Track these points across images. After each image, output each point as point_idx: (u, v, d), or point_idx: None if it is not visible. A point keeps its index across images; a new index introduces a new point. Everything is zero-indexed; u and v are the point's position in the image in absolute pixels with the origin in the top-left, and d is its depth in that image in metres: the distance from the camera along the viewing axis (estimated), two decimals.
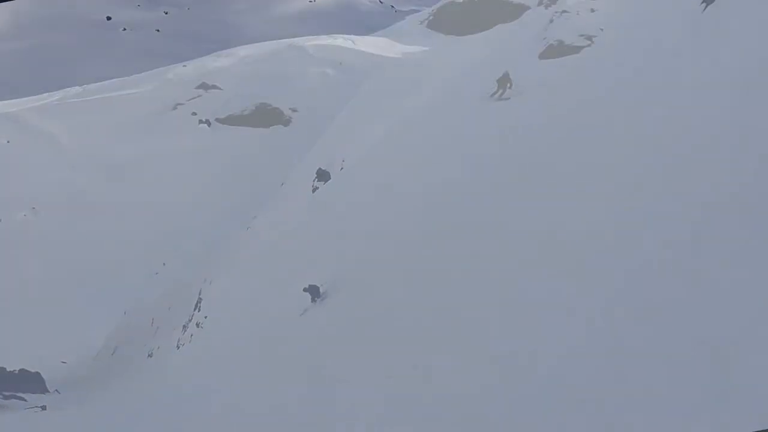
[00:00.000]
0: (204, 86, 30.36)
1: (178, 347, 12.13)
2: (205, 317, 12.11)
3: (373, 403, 6.57)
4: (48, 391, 12.60)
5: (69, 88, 40.05)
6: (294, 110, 25.12)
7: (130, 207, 16.99)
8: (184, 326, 12.55)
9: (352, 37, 40.52)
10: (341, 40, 38.96)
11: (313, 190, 15.98)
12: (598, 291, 6.61)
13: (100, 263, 13.95)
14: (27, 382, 12.56)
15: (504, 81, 19.02)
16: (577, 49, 32.08)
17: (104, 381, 12.42)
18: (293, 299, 10.20)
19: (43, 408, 11.56)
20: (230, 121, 24.85)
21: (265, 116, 24.88)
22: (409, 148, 17.83)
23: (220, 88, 29.77)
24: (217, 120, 25.06)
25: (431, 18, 46.63)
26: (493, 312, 7.19)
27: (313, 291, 10.28)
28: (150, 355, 12.90)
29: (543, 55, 32.76)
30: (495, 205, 10.74)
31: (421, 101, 23.36)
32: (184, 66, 37.90)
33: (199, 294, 12.82)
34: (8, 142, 25.49)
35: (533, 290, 7.36)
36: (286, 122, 24.49)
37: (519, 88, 19.69)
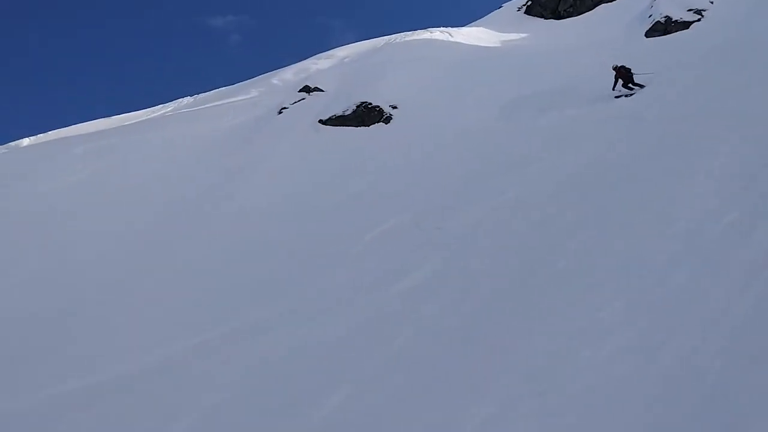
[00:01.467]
0: (306, 89, 31.21)
1: None
2: None
3: None
4: None
5: (181, 99, 42.17)
6: (394, 107, 25.34)
7: (248, 209, 17.68)
8: None
9: (449, 29, 40.42)
10: (438, 33, 38.95)
11: None
12: None
13: None
14: None
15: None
16: (686, 25, 30.56)
17: None
18: None
19: None
20: (333, 122, 25.38)
21: (366, 115, 25.24)
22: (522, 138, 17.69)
23: (322, 90, 30.50)
24: (320, 121, 25.65)
25: (528, 3, 45.80)
26: None
27: None
28: None
29: (650, 32, 31.42)
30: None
31: (528, 90, 23.03)
32: (287, 70, 39.07)
33: None
34: (123, 160, 27.21)
35: None
36: (387, 120, 24.75)
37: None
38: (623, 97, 18.78)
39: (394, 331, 8.07)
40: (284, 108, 29.63)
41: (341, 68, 34.92)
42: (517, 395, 5.88)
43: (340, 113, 25.65)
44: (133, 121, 37.21)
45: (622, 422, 5.03)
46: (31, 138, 44.02)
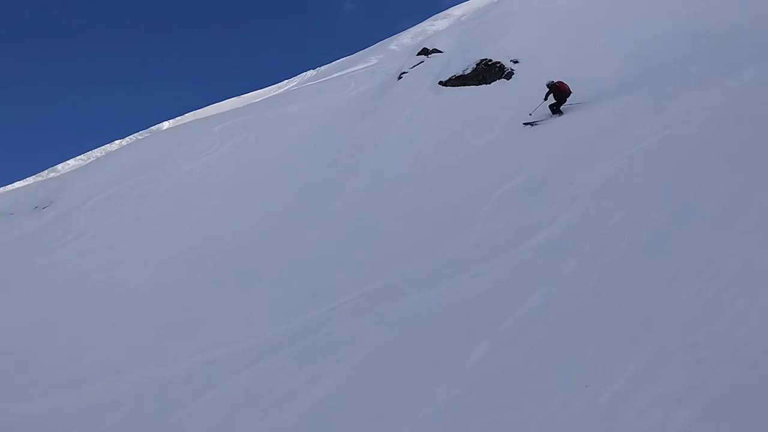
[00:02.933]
0: (425, 51, 31.08)
1: None
2: None
3: None
4: None
5: (305, 73, 43.36)
6: (515, 62, 24.71)
7: (379, 175, 17.98)
8: None
9: None
10: None
11: None
12: None
13: None
14: None
15: None
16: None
17: None
18: None
19: None
20: (453, 82, 25.16)
21: (487, 72, 24.78)
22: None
23: (440, 51, 30.27)
24: (440, 83, 25.50)
25: None
26: None
27: None
28: None
29: None
30: None
31: (659, 33, 21.70)
32: (404, 35, 39.00)
33: None
34: (255, 136, 28.32)
35: None
36: (509, 75, 24.19)
37: None
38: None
39: (532, 287, 8.00)
40: (404, 73, 29.70)
41: (458, 27, 34.44)
42: (666, 348, 5.69)
43: (460, 73, 25.36)
44: (262, 98, 38.67)
45: None
46: (170, 121, 46.93)
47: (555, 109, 17.81)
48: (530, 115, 18.07)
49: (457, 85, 24.84)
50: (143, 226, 21.69)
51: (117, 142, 51.16)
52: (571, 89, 17.79)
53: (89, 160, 47.52)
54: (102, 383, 10.08)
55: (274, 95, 38.89)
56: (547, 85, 18.14)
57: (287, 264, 13.20)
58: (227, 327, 10.93)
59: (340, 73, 37.64)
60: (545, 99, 18.12)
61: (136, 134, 51.04)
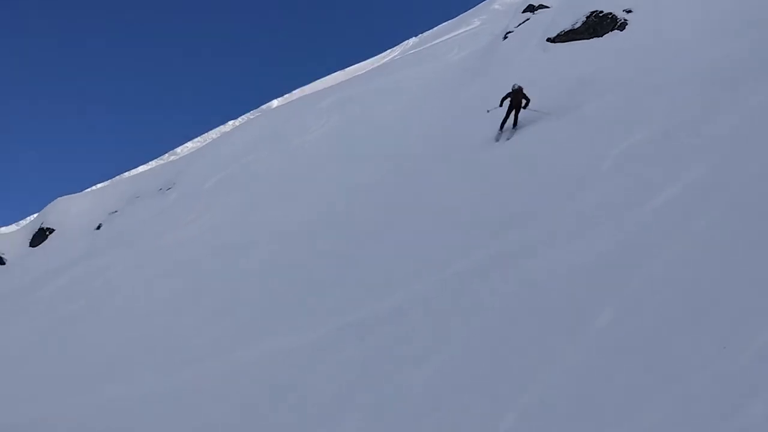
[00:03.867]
0: (530, 8, 30.06)
1: None
2: None
3: None
4: None
5: (407, 41, 43.19)
6: (628, 11, 23.44)
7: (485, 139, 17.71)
8: None
9: None
10: None
11: None
12: None
13: None
14: None
15: None
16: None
17: None
18: None
19: None
20: (562, 38, 24.22)
21: (598, 25, 23.67)
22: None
23: (547, 6, 29.19)
24: (548, 40, 24.63)
25: None
26: None
27: None
28: None
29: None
30: None
31: None
32: None
33: None
34: (362, 109, 28.54)
35: None
36: (622, 26, 22.99)
37: None
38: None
39: (655, 250, 7.67)
40: (509, 32, 28.91)
41: None
42: None
43: (569, 27, 24.35)
44: (365, 70, 38.91)
45: None
46: (279, 99, 48.22)
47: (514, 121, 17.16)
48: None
49: (567, 41, 23.91)
50: (262, 202, 22.48)
51: (230, 122, 53.19)
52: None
53: (206, 142, 49.69)
54: (235, 354, 10.58)
55: (377, 66, 39.00)
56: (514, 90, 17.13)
57: (402, 232, 13.31)
58: (347, 296, 11.16)
59: (442, 39, 37.18)
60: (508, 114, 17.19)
61: (248, 114, 52.87)
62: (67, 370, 12.95)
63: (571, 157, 13.13)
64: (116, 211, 40.02)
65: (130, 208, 39.34)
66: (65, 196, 47.55)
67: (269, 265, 15.26)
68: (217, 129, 53.46)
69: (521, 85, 17.17)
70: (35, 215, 50.68)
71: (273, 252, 16.12)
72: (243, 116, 52.09)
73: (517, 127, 17.24)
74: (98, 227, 38.46)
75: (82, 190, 52.75)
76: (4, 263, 40.54)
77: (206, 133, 54.69)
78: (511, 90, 17.18)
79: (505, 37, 28.59)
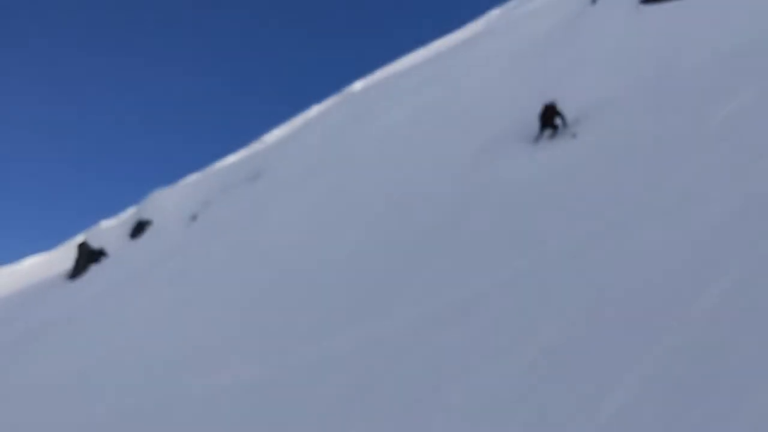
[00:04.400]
0: None
1: None
2: None
3: None
4: None
5: (490, 11, 42.11)
6: None
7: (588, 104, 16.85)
8: None
9: None
10: None
11: None
12: None
13: None
14: None
15: None
16: None
17: None
18: None
19: None
20: None
21: None
22: None
23: None
24: (643, 1, 23.26)
25: None
26: None
27: None
28: None
29: None
30: None
31: None
32: None
33: None
34: (447, 85, 27.92)
35: None
36: None
37: None
38: None
39: None
40: None
41: None
42: None
43: None
44: (449, 46, 38.20)
45: None
46: (362, 81, 48.10)
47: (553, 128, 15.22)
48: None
49: (663, 0, 22.45)
50: (353, 186, 22.36)
51: (315, 107, 53.52)
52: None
53: (292, 129, 50.28)
54: (328, 341, 10.47)
55: (461, 40, 38.22)
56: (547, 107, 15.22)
57: (485, 214, 12.82)
58: (441, 280, 10.81)
59: (527, 7, 35.99)
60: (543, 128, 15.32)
61: (331, 98, 53.08)
62: (178, 355, 13.34)
63: (676, 122, 12.25)
64: (209, 202, 41.17)
65: (223, 198, 40.37)
66: (161, 189, 49.26)
67: (359, 254, 15.08)
68: (302, 115, 53.99)
69: (554, 101, 15.45)
70: (133, 208, 52.84)
71: (360, 242, 15.92)
72: (326, 100, 52.30)
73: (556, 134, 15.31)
74: (193, 218, 39.65)
75: (175, 183, 54.54)
76: (107, 255, 42.57)
77: (291, 120, 55.33)
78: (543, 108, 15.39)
79: (594, 1, 27.24)
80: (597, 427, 5.16)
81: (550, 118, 15.16)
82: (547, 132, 15.37)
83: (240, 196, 37.62)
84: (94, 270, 40.11)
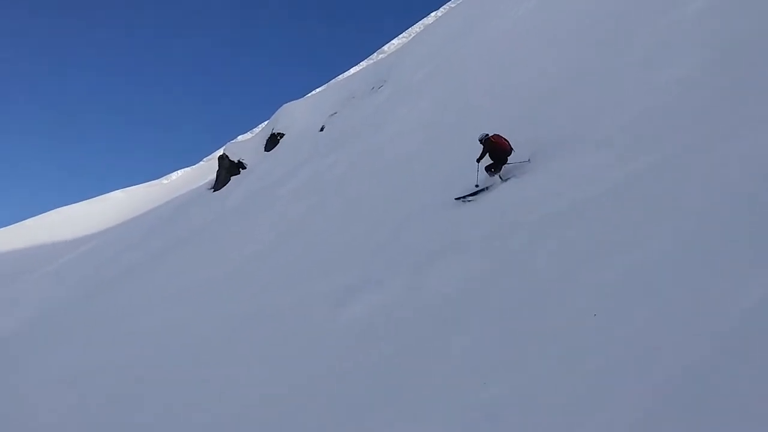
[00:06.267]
0: None
1: None
2: None
3: None
4: None
5: None
6: None
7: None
8: None
9: None
10: None
11: None
12: None
13: None
14: None
15: None
16: None
17: None
18: None
19: None
20: None
21: None
22: None
23: None
24: None
25: None
26: None
27: None
28: None
29: None
30: None
31: None
32: None
33: None
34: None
35: None
36: None
37: None
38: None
39: None
40: None
41: None
42: None
43: None
44: None
45: None
46: None
47: (492, 171, 12.60)
48: (476, 186, 12.71)
49: None
50: (471, 90, 22.61)
51: (432, 14, 53.09)
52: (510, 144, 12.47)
53: (411, 37, 50.23)
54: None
55: None
56: (480, 141, 12.83)
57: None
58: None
59: None
60: (478, 160, 12.84)
61: (449, 3, 52.32)
62: (304, 265, 14.72)
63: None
64: (336, 113, 42.57)
65: (348, 108, 41.58)
66: (290, 102, 51.24)
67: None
68: (421, 22, 53.76)
69: (488, 135, 12.92)
70: (266, 123, 55.22)
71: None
72: (444, 6, 51.71)
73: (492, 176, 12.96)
74: (321, 129, 41.27)
75: (303, 96, 56.38)
76: (245, 168, 45.52)
77: (410, 28, 55.26)
78: (479, 142, 13.14)
79: None
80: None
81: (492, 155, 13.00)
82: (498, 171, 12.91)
83: (364, 105, 38.64)
84: (234, 182, 42.84)
